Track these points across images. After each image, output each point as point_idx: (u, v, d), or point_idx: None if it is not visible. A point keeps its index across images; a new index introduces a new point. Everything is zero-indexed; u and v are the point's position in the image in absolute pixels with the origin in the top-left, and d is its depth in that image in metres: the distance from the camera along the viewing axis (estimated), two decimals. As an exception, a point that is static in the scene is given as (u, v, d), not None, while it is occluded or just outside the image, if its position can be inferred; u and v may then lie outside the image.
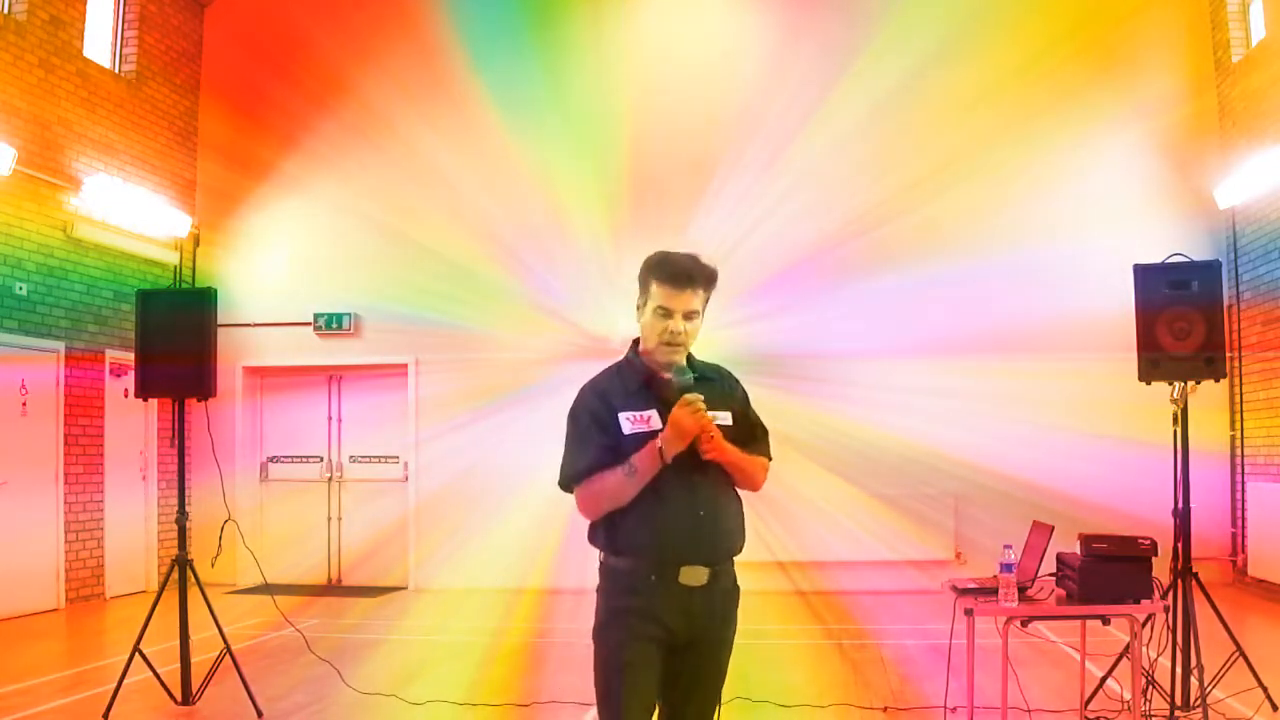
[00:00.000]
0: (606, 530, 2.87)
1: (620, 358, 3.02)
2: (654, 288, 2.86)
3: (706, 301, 2.93)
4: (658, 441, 2.77)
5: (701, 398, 2.80)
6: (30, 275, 9.06)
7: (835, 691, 5.92)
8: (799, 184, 10.53)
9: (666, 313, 2.85)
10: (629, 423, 2.83)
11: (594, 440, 2.84)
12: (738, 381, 3.08)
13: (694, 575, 2.82)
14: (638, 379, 2.91)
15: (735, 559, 2.97)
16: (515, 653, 7.55)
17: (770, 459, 3.06)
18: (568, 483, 2.90)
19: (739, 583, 2.99)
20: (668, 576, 2.80)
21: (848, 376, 10.31)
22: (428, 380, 10.88)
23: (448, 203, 10.85)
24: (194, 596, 5.73)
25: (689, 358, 2.95)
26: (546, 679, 6.40)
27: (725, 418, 2.90)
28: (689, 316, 2.86)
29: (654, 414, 2.84)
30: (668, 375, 2.86)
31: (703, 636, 2.87)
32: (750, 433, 3.02)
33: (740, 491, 2.97)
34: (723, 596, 2.91)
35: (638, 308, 2.94)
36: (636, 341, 2.98)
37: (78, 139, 9.67)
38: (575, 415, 2.92)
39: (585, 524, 2.93)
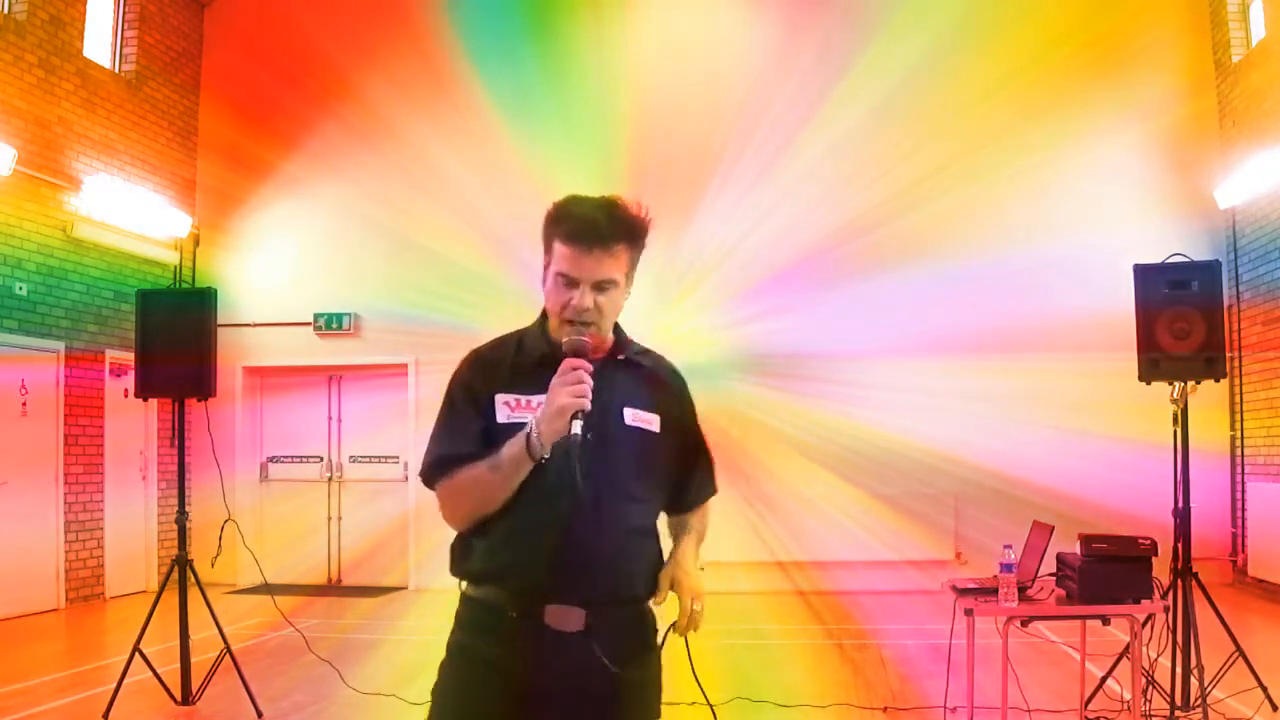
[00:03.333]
0: (461, 548, 2.19)
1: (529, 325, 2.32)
2: (555, 245, 2.14)
3: (633, 265, 2.18)
4: (530, 426, 2.04)
5: (588, 366, 2.06)
6: (30, 275, 9.06)
7: (835, 691, 5.92)
8: (799, 184, 10.53)
9: (569, 281, 2.11)
10: (506, 408, 2.13)
11: (464, 423, 2.14)
12: (684, 384, 2.34)
13: (563, 617, 2.09)
14: (535, 355, 2.19)
15: (655, 602, 2.21)
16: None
17: (715, 492, 2.38)
18: (426, 474, 2.18)
19: (651, 631, 2.23)
20: (530, 615, 2.09)
21: (847, 376, 10.31)
22: (428, 380, 10.87)
23: (448, 203, 10.84)
24: (194, 596, 5.73)
25: (618, 340, 2.24)
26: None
27: (651, 422, 2.19)
28: (601, 287, 2.12)
29: (544, 399, 2.10)
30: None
31: (593, 706, 2.12)
32: (687, 456, 2.30)
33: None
34: (615, 649, 2.10)
35: (545, 269, 2.20)
36: (545, 312, 2.26)
37: (78, 139, 9.67)
38: (449, 390, 2.21)
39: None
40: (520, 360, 2.18)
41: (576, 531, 2.07)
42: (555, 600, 2.09)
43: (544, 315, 2.24)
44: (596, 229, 2.10)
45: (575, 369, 2.04)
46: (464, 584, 2.20)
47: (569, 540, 2.07)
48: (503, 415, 2.13)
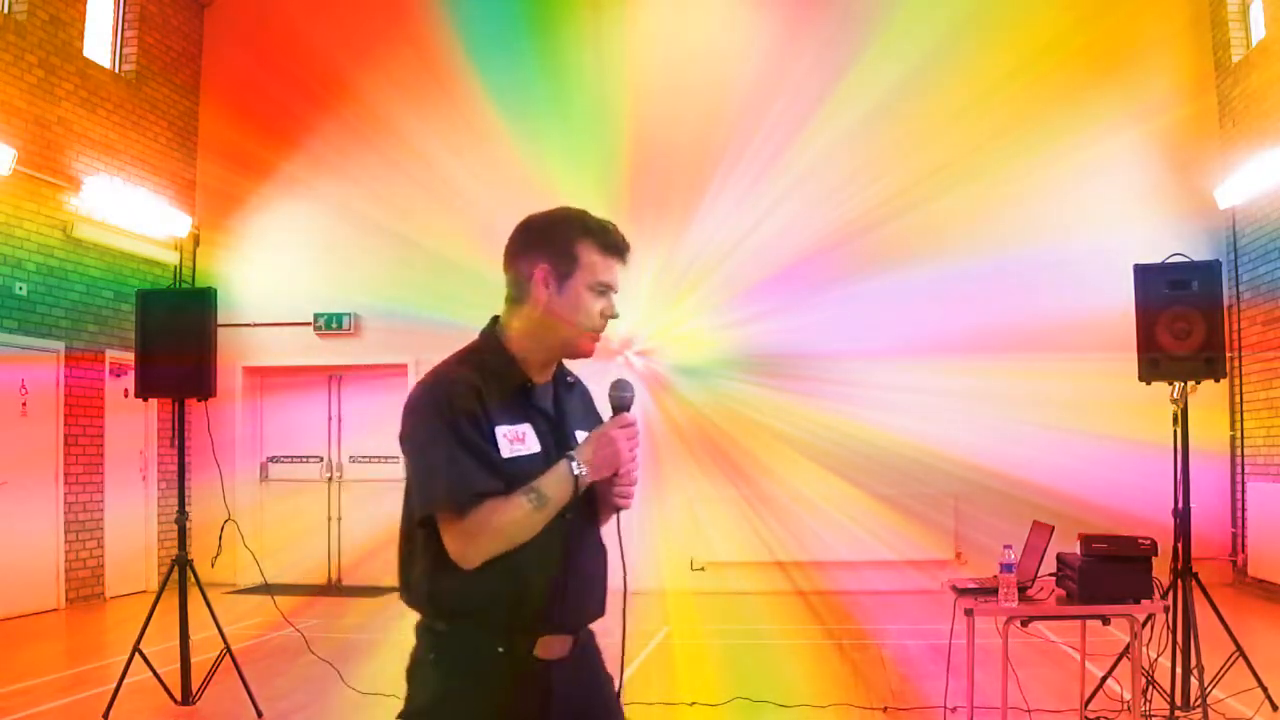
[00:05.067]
0: (430, 584, 2.09)
1: (472, 343, 2.24)
2: (588, 255, 2.15)
3: None
4: (574, 465, 2.07)
5: (635, 419, 2.16)
6: (30, 275, 9.06)
7: (835, 691, 5.91)
8: (799, 184, 10.52)
9: (605, 289, 2.18)
10: (506, 441, 2.07)
11: (484, 454, 2.04)
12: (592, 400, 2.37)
13: (554, 646, 2.12)
14: (515, 380, 2.15)
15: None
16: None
17: None
18: (454, 503, 2.01)
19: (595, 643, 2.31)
20: (519, 649, 2.08)
21: (847, 376, 10.31)
22: (428, 380, 10.86)
23: (448, 203, 10.85)
24: (194, 596, 5.73)
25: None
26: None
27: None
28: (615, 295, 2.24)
29: (528, 429, 2.11)
30: (541, 381, 2.18)
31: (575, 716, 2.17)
32: None
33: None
34: (588, 663, 2.22)
35: (534, 281, 2.14)
36: (495, 320, 2.23)
37: (78, 139, 9.67)
38: (443, 413, 2.04)
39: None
40: (503, 385, 2.11)
41: (568, 562, 2.09)
42: (546, 632, 2.09)
43: (493, 322, 2.22)
44: (627, 245, 2.20)
45: (632, 425, 2.13)
46: (432, 619, 2.13)
47: (556, 570, 2.08)
48: (505, 449, 2.07)
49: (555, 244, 2.16)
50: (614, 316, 2.20)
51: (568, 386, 2.25)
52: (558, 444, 2.13)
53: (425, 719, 2.12)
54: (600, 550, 2.23)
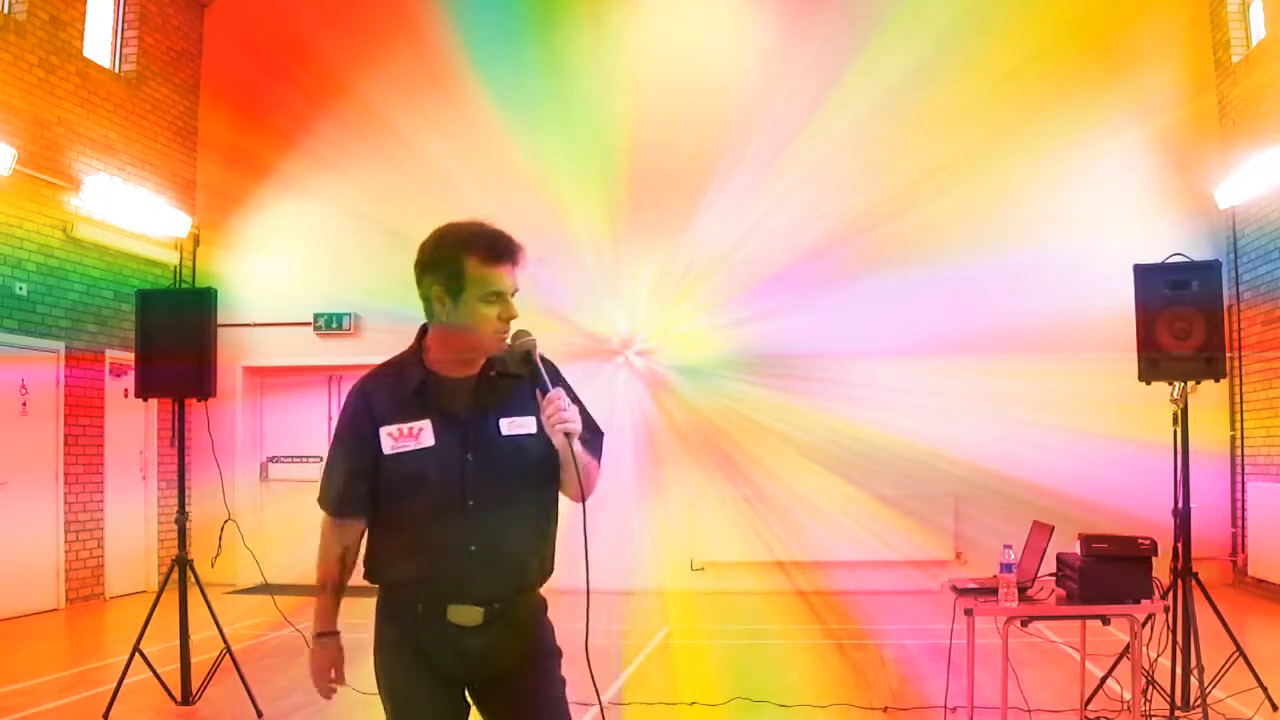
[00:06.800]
0: (367, 555, 2.49)
1: (405, 351, 2.52)
2: (472, 270, 2.32)
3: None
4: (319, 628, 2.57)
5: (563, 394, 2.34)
6: (30, 275, 9.06)
7: (835, 691, 5.91)
8: (799, 184, 10.52)
9: (498, 296, 2.34)
10: (390, 439, 2.35)
11: (344, 462, 2.42)
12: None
13: (466, 615, 2.35)
14: (414, 381, 2.40)
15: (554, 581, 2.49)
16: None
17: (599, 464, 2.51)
18: (325, 506, 2.51)
19: (541, 606, 2.49)
20: (434, 611, 2.36)
21: (848, 376, 10.31)
22: (428, 380, 10.86)
23: (447, 203, 10.77)
24: (194, 596, 5.73)
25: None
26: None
27: (527, 424, 2.38)
28: (515, 294, 2.39)
29: (425, 426, 2.35)
30: (461, 375, 2.41)
31: (505, 672, 2.41)
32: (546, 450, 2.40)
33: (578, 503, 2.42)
34: (514, 630, 2.39)
35: (433, 299, 2.38)
36: (424, 332, 2.48)
37: (78, 139, 9.67)
38: (338, 430, 2.47)
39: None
40: (401, 389, 2.40)
41: (468, 544, 2.33)
42: (456, 601, 2.34)
43: (420, 334, 2.49)
44: (510, 245, 2.39)
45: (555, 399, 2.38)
46: (373, 581, 2.49)
47: (461, 553, 2.33)
48: (388, 446, 2.37)
49: (443, 265, 2.36)
50: (513, 317, 2.37)
51: (488, 380, 2.41)
52: (470, 432, 2.35)
53: (376, 655, 2.49)
54: (520, 531, 2.39)
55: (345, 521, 2.49)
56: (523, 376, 2.40)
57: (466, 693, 2.48)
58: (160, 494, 10.59)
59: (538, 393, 2.36)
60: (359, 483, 2.40)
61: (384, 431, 2.36)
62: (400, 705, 2.44)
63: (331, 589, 2.55)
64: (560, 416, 2.30)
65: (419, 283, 2.42)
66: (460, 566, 2.32)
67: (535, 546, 2.43)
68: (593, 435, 2.48)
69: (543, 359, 2.41)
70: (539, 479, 2.41)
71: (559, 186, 10.63)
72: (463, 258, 2.34)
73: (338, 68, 10.94)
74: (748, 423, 10.40)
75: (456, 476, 2.33)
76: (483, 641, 2.36)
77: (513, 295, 2.38)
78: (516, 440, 2.38)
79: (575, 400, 2.42)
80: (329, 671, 2.57)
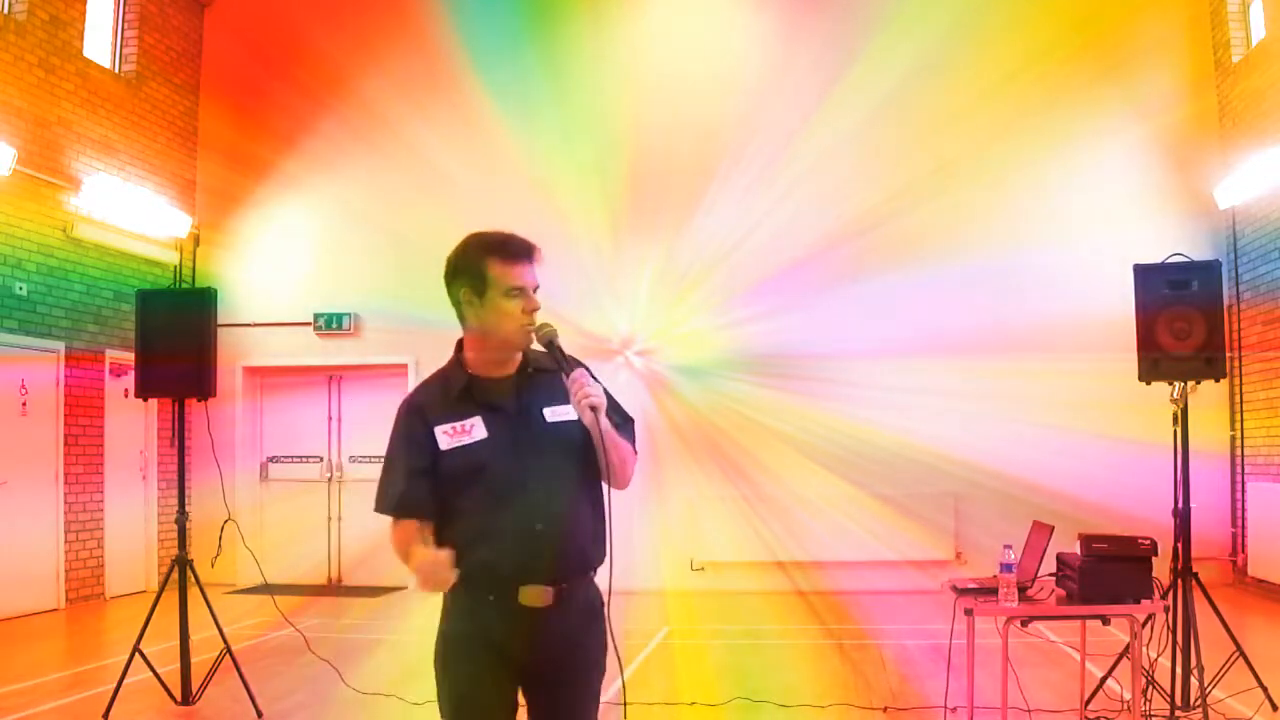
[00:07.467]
0: (436, 545, 2.50)
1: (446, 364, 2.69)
2: (494, 269, 2.54)
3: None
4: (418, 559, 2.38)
5: (585, 372, 2.54)
6: (30, 275, 9.06)
7: (835, 691, 5.92)
8: (799, 184, 10.52)
9: (521, 291, 2.56)
10: (446, 436, 2.53)
11: (404, 463, 2.55)
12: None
13: (537, 595, 2.49)
14: (459, 384, 2.58)
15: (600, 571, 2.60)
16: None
17: (636, 453, 2.68)
18: (384, 508, 2.59)
19: (599, 599, 2.64)
20: (505, 598, 2.49)
21: (848, 376, 10.31)
22: (428, 380, 10.86)
23: (448, 203, 10.82)
24: (194, 596, 5.73)
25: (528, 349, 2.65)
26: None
27: (567, 412, 2.56)
28: (536, 290, 2.60)
29: (476, 420, 2.54)
30: (499, 375, 2.59)
31: (563, 664, 2.56)
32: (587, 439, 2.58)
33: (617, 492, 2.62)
34: (579, 616, 2.56)
35: (463, 303, 2.58)
36: (460, 344, 2.67)
37: (78, 139, 9.67)
38: (393, 437, 2.62)
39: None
40: (448, 393, 2.58)
41: (534, 523, 2.48)
42: (527, 582, 2.48)
43: (458, 346, 2.65)
44: (527, 245, 2.60)
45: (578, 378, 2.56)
46: None
47: (528, 531, 2.48)
48: (444, 442, 2.53)
49: (467, 269, 2.57)
50: (536, 309, 2.57)
51: (526, 377, 2.62)
52: (516, 424, 2.55)
53: (440, 646, 2.58)
54: (579, 509, 2.56)
55: (406, 522, 2.56)
56: (557, 370, 2.56)
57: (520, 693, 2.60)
58: (160, 494, 10.60)
59: (563, 376, 2.53)
60: (419, 481, 2.52)
61: (439, 430, 2.53)
62: (460, 705, 2.54)
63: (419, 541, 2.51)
64: (585, 392, 2.47)
65: (449, 290, 2.61)
66: (528, 546, 2.47)
67: (594, 526, 2.58)
68: (624, 421, 2.65)
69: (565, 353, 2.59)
70: (588, 460, 2.57)
71: (559, 186, 10.62)
72: (484, 260, 2.55)
73: (338, 68, 10.94)
74: (748, 423, 10.40)
75: (513, 461, 2.51)
76: (553, 624, 2.49)
77: (534, 290, 2.58)
78: (561, 425, 2.56)
79: (603, 389, 2.58)
80: (442, 559, 2.40)
